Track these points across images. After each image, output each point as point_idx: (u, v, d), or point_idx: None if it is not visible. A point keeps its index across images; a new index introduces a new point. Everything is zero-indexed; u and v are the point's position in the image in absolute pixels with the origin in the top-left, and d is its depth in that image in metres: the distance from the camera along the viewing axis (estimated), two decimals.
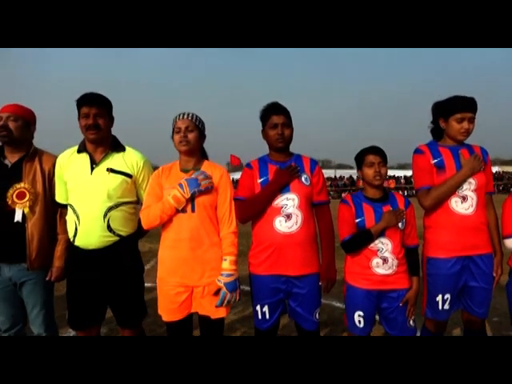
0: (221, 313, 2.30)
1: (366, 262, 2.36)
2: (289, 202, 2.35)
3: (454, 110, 2.38)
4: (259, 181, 2.42)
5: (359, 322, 2.39)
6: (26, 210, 2.41)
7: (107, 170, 2.35)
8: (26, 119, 2.51)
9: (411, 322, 2.42)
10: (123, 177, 2.38)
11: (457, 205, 2.41)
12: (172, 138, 2.37)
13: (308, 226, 2.38)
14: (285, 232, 2.33)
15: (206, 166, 2.39)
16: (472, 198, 2.40)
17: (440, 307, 2.46)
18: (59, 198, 2.49)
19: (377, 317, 2.49)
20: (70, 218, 2.38)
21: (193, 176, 2.27)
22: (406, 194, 25.25)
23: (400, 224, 2.36)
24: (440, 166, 2.44)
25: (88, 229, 2.31)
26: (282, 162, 2.45)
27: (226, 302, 2.25)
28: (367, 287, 2.37)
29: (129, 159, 2.44)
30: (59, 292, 2.97)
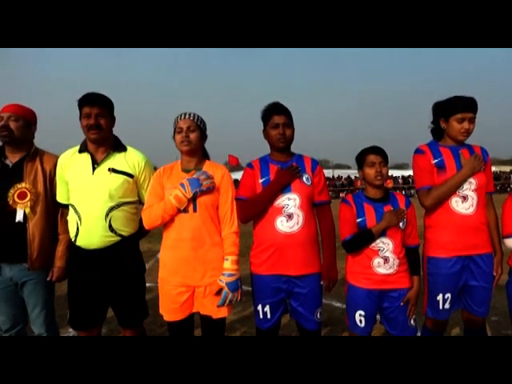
0: (222, 312, 2.30)
1: (368, 262, 2.36)
2: (290, 201, 2.35)
3: (454, 110, 2.39)
4: (261, 181, 2.42)
5: (360, 321, 2.40)
6: (27, 210, 2.41)
7: (109, 170, 2.35)
8: (27, 119, 2.51)
9: (412, 322, 2.43)
10: (125, 177, 2.38)
11: (457, 204, 2.42)
12: (173, 138, 2.37)
13: (309, 225, 2.38)
14: (286, 232, 2.33)
15: (207, 166, 2.39)
16: (472, 197, 2.41)
17: (440, 306, 2.47)
18: (60, 197, 2.48)
19: (377, 316, 2.50)
20: (71, 218, 2.38)
21: (194, 176, 2.27)
22: (403, 193, 25.30)
23: (401, 224, 2.37)
24: (440, 166, 2.45)
25: (90, 229, 2.31)
26: (284, 162, 2.45)
27: (227, 301, 2.25)
28: (368, 287, 2.37)
29: (130, 159, 2.44)
30: (59, 292, 2.97)
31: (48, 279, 2.49)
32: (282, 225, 2.34)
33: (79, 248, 2.35)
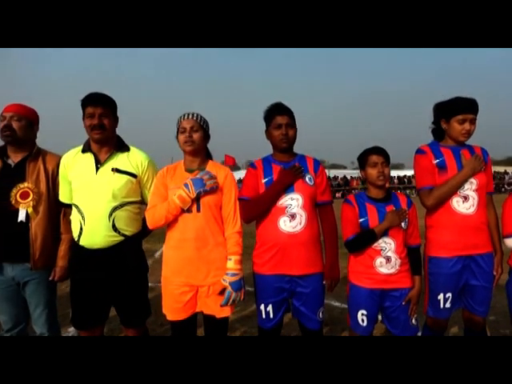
0: (225, 312, 2.31)
1: (370, 262, 2.38)
2: (293, 201, 2.37)
3: (455, 111, 2.41)
4: (263, 181, 2.43)
5: (362, 320, 2.42)
6: (30, 210, 2.40)
7: (112, 169, 2.36)
8: (30, 119, 2.50)
9: (413, 321, 2.45)
10: (128, 177, 2.38)
11: (458, 204, 2.44)
12: (177, 138, 2.37)
13: (312, 225, 2.40)
14: (289, 232, 2.35)
15: (210, 166, 2.40)
16: (473, 197, 2.43)
17: (441, 306, 2.50)
18: (63, 197, 2.48)
19: (379, 316, 2.52)
20: (74, 217, 2.38)
21: (198, 176, 2.28)
22: None
23: (403, 224, 2.39)
24: (442, 166, 2.48)
25: (93, 228, 2.31)
26: (286, 162, 2.47)
27: (231, 301, 2.26)
28: (370, 286, 2.39)
29: (133, 159, 2.45)
30: (60, 291, 2.96)
31: (50, 279, 2.49)
32: (285, 225, 2.35)
33: (82, 248, 2.35)
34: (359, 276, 2.43)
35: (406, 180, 29.81)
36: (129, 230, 2.39)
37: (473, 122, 2.43)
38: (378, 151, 2.42)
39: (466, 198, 2.44)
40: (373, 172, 2.40)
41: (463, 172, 2.42)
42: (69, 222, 2.45)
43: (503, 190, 25.59)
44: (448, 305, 2.49)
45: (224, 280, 2.26)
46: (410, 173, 29.82)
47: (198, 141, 2.32)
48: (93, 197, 2.32)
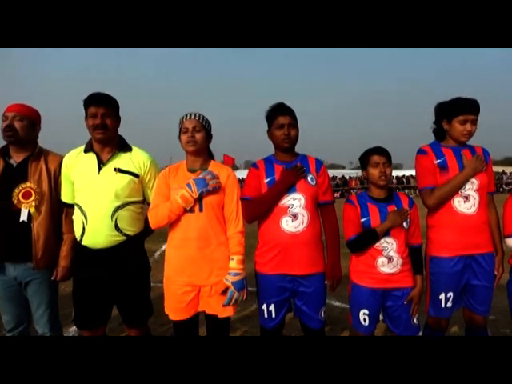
0: (228, 312, 2.32)
1: (372, 261, 2.39)
2: (295, 201, 2.37)
3: (457, 111, 2.42)
4: (266, 181, 2.44)
5: (364, 320, 2.43)
6: (32, 210, 2.40)
7: (115, 169, 2.36)
8: (32, 119, 2.50)
9: (415, 320, 2.46)
10: (130, 176, 2.39)
11: (459, 204, 2.45)
12: (179, 138, 2.38)
13: (314, 225, 2.40)
14: (291, 232, 2.35)
15: (212, 166, 2.40)
16: (474, 197, 2.44)
17: (443, 305, 2.51)
18: (65, 197, 2.48)
19: (380, 315, 2.52)
20: (77, 217, 2.38)
21: (200, 176, 2.28)
22: None
23: (404, 224, 2.40)
24: (443, 167, 2.48)
25: (96, 228, 2.31)
26: (288, 162, 2.47)
27: (233, 300, 2.27)
28: (372, 286, 2.40)
29: (136, 159, 2.45)
30: (60, 291, 2.96)
31: (52, 279, 2.49)
32: (287, 225, 2.35)
33: (85, 247, 2.35)
34: (361, 275, 2.44)
35: (404, 180, 29.79)
36: (131, 229, 2.40)
37: (474, 122, 2.44)
38: (380, 151, 2.43)
39: (467, 198, 2.44)
40: (374, 172, 2.41)
41: (464, 172, 2.43)
42: (71, 222, 2.45)
43: (501, 189, 25.63)
44: (449, 304, 2.50)
45: (226, 280, 2.27)
46: (408, 173, 29.82)
47: (200, 141, 2.32)
48: (95, 197, 2.32)
